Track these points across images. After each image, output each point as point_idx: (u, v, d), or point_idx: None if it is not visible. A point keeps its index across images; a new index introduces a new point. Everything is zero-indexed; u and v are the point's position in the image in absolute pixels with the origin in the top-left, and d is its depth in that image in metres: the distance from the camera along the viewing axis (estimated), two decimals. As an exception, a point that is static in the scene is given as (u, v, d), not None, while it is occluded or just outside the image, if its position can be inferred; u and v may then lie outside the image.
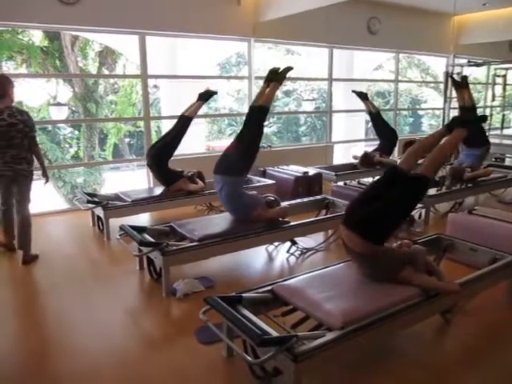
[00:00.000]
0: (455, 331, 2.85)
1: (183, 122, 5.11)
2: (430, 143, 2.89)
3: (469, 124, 2.98)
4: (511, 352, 2.68)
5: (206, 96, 5.23)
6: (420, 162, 2.89)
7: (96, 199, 4.77)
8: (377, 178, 2.88)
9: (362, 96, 7.10)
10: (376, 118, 7.08)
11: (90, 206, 4.73)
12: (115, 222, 4.29)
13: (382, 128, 7.08)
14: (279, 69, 3.90)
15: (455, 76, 6.59)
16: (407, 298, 2.51)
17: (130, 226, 3.70)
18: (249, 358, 2.11)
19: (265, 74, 3.98)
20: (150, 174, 6.20)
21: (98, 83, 10.94)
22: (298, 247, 4.20)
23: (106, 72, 10.82)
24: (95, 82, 10.85)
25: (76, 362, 2.56)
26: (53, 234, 4.93)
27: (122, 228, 3.72)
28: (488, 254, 3.24)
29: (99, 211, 4.67)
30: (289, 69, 3.92)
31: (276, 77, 3.86)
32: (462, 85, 6.11)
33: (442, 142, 2.91)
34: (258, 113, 3.85)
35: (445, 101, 8.85)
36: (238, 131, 4.07)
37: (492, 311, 3.11)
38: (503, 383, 2.38)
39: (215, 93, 5.32)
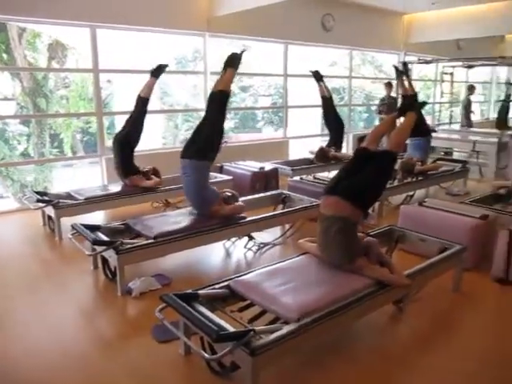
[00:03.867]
0: (408, 319, 2.95)
1: (141, 104, 5.04)
2: (386, 127, 3.38)
3: (416, 108, 3.50)
4: (458, 336, 2.80)
5: (158, 71, 5.13)
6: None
7: (46, 198, 4.60)
8: (350, 157, 3.23)
9: (318, 76, 7.10)
10: (328, 103, 7.11)
11: (40, 205, 4.56)
12: (68, 222, 4.16)
13: (331, 115, 7.12)
14: (235, 54, 3.94)
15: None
16: (361, 288, 2.58)
17: (83, 225, 3.59)
18: (206, 355, 2.10)
19: (221, 69, 3.97)
20: (104, 170, 6.07)
21: (47, 77, 10.52)
22: (255, 242, 4.22)
23: (55, 66, 10.43)
24: (45, 76, 10.43)
25: (28, 366, 2.48)
26: (1, 235, 4.72)
27: (73, 227, 3.61)
28: (436, 244, 3.38)
29: (50, 210, 4.51)
30: (242, 52, 3.96)
31: (231, 62, 3.88)
32: (401, 73, 6.39)
33: (400, 124, 3.33)
34: (219, 97, 3.86)
35: (397, 97, 9.11)
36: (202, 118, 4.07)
37: (440, 298, 3.25)
38: (453, 365, 2.48)
39: (166, 66, 5.21)
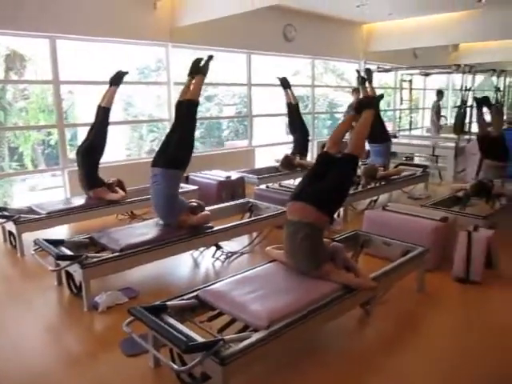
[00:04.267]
0: (375, 321, 3.02)
1: (102, 114, 4.96)
2: (346, 127, 3.27)
3: (373, 104, 3.36)
4: (424, 336, 2.88)
5: (118, 79, 5.04)
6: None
7: (6, 213, 4.45)
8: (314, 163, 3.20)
9: (285, 83, 7.12)
10: (294, 110, 7.12)
11: (0, 220, 4.42)
12: (30, 237, 4.04)
13: (296, 122, 7.13)
14: (201, 60, 3.93)
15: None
16: (329, 292, 2.63)
17: (46, 240, 3.51)
18: (175, 366, 2.08)
19: (186, 79, 3.96)
20: (67, 183, 5.94)
21: (5, 89, 10.23)
22: (223, 251, 4.22)
23: (14, 77, 10.17)
24: (2, 87, 10.14)
25: (-12, 388, 2.39)
26: (-42, 253, 4.54)
27: (36, 242, 3.52)
28: (400, 247, 3.47)
29: (11, 226, 4.37)
30: (210, 58, 3.95)
31: (200, 69, 3.88)
32: (364, 79, 6.49)
33: (357, 124, 3.18)
34: (187, 106, 3.83)
35: (358, 85, 9.26)
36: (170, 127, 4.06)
37: (406, 300, 3.34)
38: (420, 365, 2.55)
39: (126, 73, 5.11)
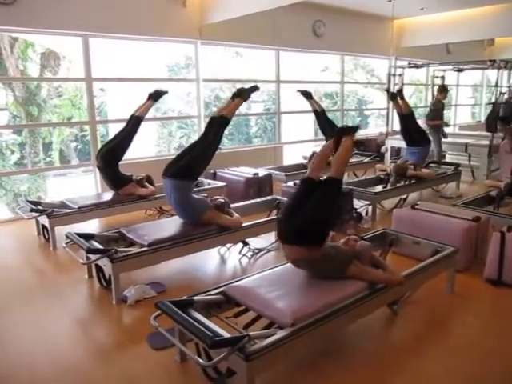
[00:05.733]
0: (402, 321, 2.97)
1: (134, 123, 5.04)
2: (329, 151, 3.05)
3: (352, 132, 3.07)
4: (454, 336, 2.82)
5: (156, 96, 5.16)
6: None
7: (40, 207, 4.59)
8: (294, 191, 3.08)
9: (307, 95, 7.16)
10: (321, 116, 7.10)
11: (34, 214, 4.55)
12: (62, 231, 4.16)
13: (326, 126, 7.08)
14: (245, 89, 4.10)
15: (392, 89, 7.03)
16: (355, 292, 2.60)
17: (77, 234, 3.60)
18: (201, 361, 2.11)
19: (215, 76, 3.99)
20: (98, 179, 6.07)
21: (40, 86, 10.52)
22: (249, 248, 4.23)
23: (48, 75, 10.45)
24: (38, 85, 10.43)
25: (23, 377, 2.47)
26: (-6, 245, 4.71)
27: (68, 236, 3.61)
28: (430, 247, 3.40)
29: (44, 220, 4.50)
30: (255, 88, 4.13)
31: (242, 93, 4.03)
32: (394, 94, 6.59)
33: (338, 151, 2.96)
34: (219, 122, 3.94)
35: (388, 101, 9.15)
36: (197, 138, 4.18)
37: (435, 300, 3.27)
38: (449, 367, 2.50)
39: (166, 92, 5.24)
